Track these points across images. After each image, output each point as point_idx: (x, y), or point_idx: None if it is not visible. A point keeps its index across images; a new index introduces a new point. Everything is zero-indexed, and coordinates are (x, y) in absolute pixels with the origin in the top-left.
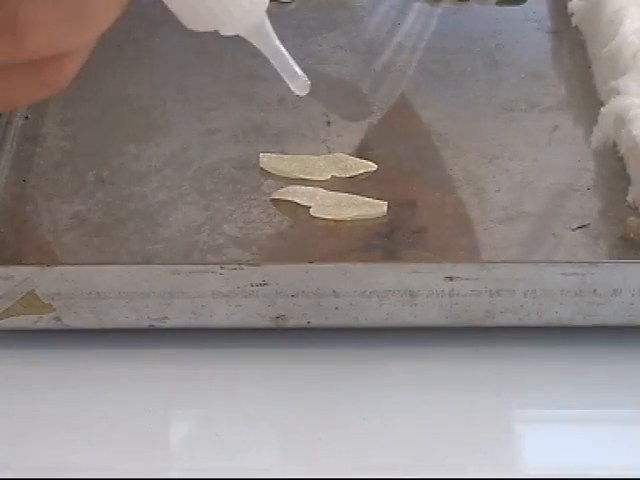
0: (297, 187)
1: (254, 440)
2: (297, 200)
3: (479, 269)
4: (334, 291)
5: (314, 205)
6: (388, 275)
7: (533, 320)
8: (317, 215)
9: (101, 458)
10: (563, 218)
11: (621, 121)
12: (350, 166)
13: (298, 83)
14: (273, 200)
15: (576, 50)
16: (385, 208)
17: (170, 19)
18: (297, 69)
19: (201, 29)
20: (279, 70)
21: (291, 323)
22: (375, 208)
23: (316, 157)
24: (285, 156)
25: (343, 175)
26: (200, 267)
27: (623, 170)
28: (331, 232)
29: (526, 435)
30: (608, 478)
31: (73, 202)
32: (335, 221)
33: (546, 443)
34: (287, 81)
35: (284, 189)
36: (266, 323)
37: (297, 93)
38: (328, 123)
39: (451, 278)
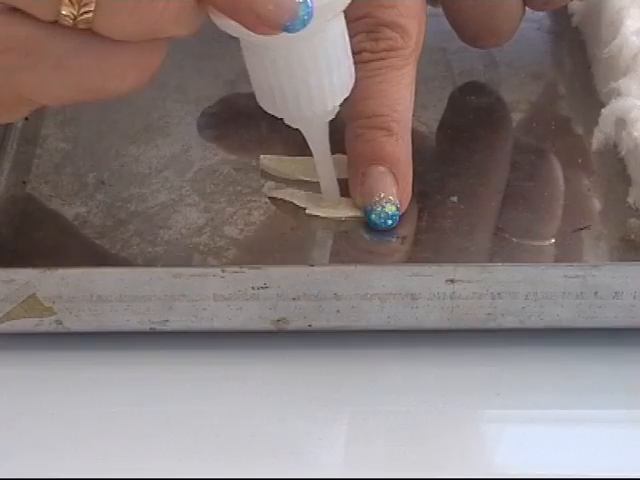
0: (295, 190)
1: (254, 440)
2: (294, 201)
3: (480, 272)
4: (335, 294)
5: (310, 205)
6: (389, 278)
7: (534, 322)
8: (312, 213)
9: (102, 459)
10: (563, 220)
11: (622, 122)
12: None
13: (330, 193)
14: (273, 200)
15: (576, 50)
16: None
17: None
18: (335, 182)
19: (272, 113)
20: (319, 174)
21: (292, 326)
22: None
23: None
24: (285, 157)
25: (344, 176)
26: (201, 270)
27: (624, 171)
28: (332, 234)
29: (527, 436)
30: (609, 478)
31: (73, 204)
32: (336, 223)
33: (547, 444)
34: (322, 186)
35: (283, 189)
36: (267, 326)
37: (326, 199)
38: (329, 124)
39: (452, 281)
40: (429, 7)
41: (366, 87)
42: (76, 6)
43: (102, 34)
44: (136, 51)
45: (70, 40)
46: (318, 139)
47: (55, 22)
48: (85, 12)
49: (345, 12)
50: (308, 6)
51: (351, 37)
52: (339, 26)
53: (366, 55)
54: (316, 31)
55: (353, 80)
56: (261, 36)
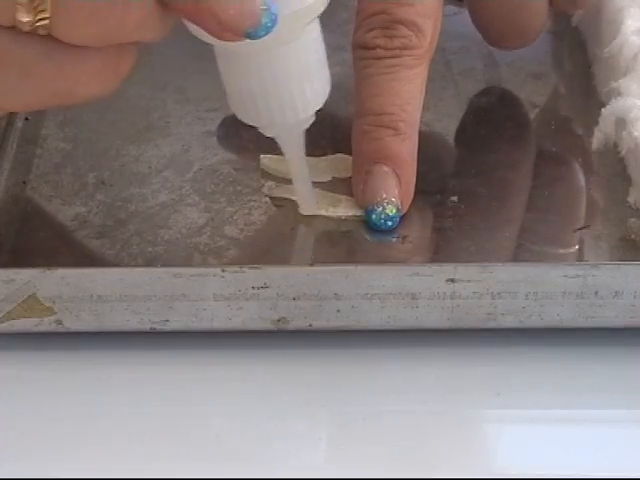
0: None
1: (254, 440)
2: (293, 197)
3: (481, 271)
4: (335, 294)
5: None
6: (389, 277)
7: (535, 322)
8: (307, 213)
9: (102, 459)
10: (564, 219)
11: (622, 122)
12: (351, 167)
13: (307, 205)
14: (273, 200)
15: (576, 50)
16: None
17: None
18: (311, 193)
19: (244, 120)
20: (295, 182)
21: (292, 326)
22: None
23: (317, 158)
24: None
25: (344, 176)
26: (202, 270)
27: (624, 171)
28: (332, 234)
29: (527, 436)
30: (609, 478)
31: (73, 204)
32: (336, 223)
33: (547, 444)
34: (299, 194)
35: (282, 187)
36: (267, 326)
37: (301, 212)
38: (329, 124)
39: (452, 280)
40: None
41: (377, 84)
42: (32, 12)
43: (62, 40)
44: (101, 57)
45: (32, 46)
46: (292, 147)
47: (15, 28)
48: (42, 18)
49: (361, 7)
50: (272, 13)
51: (366, 32)
52: (314, 33)
53: (380, 52)
54: (288, 38)
55: (329, 89)
56: (230, 42)
